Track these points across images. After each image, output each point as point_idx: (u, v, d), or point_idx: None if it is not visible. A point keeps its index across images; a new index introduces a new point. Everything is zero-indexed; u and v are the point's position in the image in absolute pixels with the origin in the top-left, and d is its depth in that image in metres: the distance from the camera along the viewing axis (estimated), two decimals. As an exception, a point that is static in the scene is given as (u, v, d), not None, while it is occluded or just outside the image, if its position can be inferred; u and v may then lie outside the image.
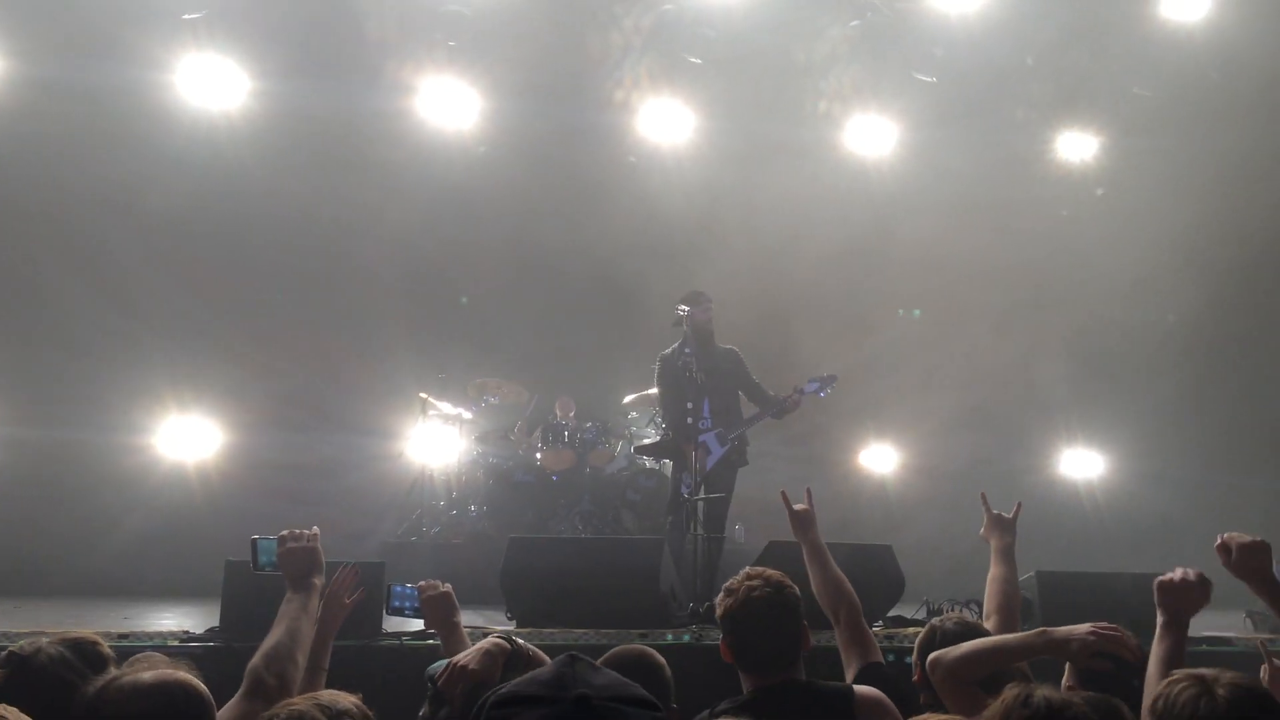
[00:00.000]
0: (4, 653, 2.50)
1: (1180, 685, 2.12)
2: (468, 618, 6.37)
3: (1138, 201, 10.44)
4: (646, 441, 8.99)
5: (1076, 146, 10.82)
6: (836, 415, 10.33)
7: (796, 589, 2.95)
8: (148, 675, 2.18)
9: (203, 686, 2.26)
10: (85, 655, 2.51)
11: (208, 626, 5.38)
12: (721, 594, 2.97)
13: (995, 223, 10.35)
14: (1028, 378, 10.70)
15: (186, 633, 5.28)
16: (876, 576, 5.90)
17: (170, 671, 2.22)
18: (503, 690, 1.40)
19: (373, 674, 4.82)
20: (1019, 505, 4.01)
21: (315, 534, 3.02)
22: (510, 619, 5.92)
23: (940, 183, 10.37)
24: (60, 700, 2.35)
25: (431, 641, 5.46)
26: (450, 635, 3.29)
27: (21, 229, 9.07)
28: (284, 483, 8.95)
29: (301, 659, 2.74)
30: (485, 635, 5.42)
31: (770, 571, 2.95)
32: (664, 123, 10.18)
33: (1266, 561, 2.84)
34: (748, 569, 2.99)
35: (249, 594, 5.03)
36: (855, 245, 10.60)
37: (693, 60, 9.88)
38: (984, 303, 10.58)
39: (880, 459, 10.68)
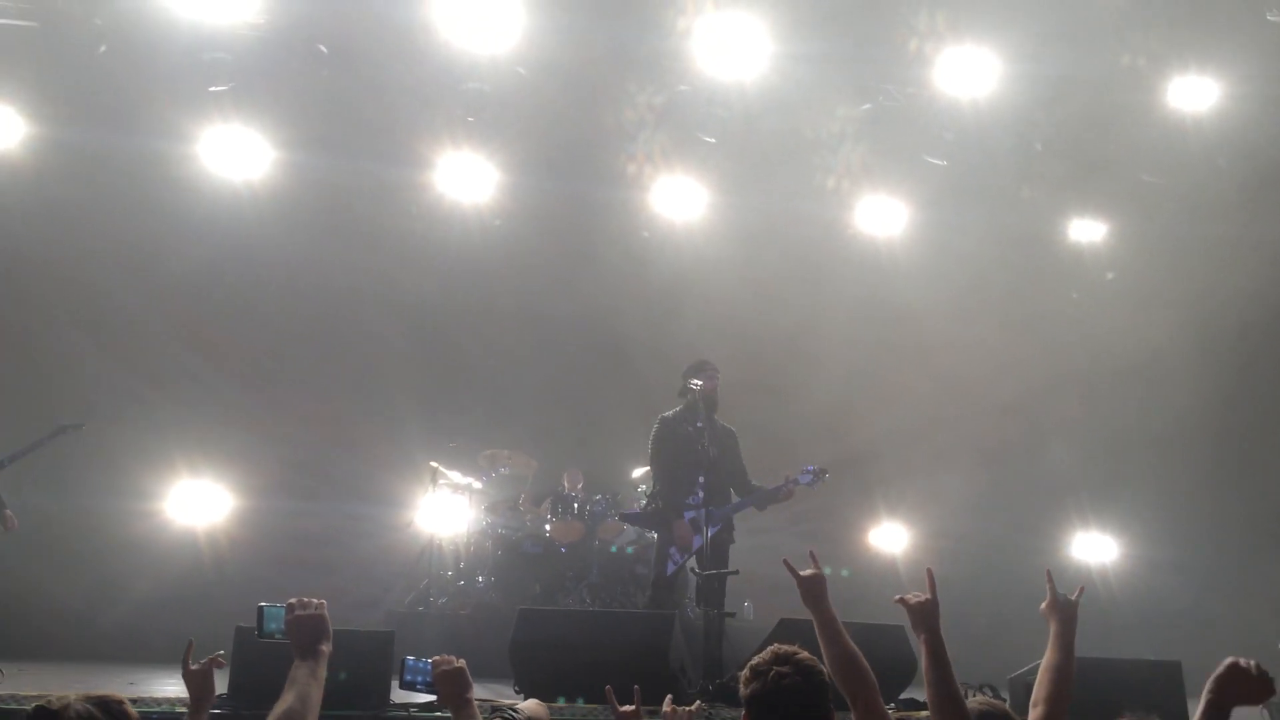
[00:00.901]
0: (33, 707, 2.50)
1: None
2: (476, 691, 6.32)
3: (1147, 286, 10.53)
4: (633, 511, 8.73)
5: (1086, 230, 10.93)
6: (845, 494, 10.31)
7: (825, 673, 2.88)
8: None
9: None
10: (112, 714, 2.51)
11: (216, 694, 5.34)
12: (748, 674, 2.89)
13: (1005, 303, 10.43)
14: (1039, 460, 10.68)
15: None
16: (888, 657, 5.82)
17: None
18: None
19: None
20: (1081, 589, 3.74)
21: (323, 604, 3.02)
22: (518, 692, 5.85)
23: (951, 263, 10.47)
24: None
25: (439, 715, 5.41)
26: (461, 711, 3.26)
27: (38, 288, 9.20)
28: (293, 549, 8.95)
29: None
30: (494, 709, 5.36)
31: (801, 654, 2.88)
32: (677, 198, 10.30)
33: None
34: (775, 648, 2.90)
35: (257, 662, 5.01)
36: (866, 322, 10.69)
37: (706, 139, 10.04)
38: (994, 383, 10.62)
39: (891, 538, 10.62)
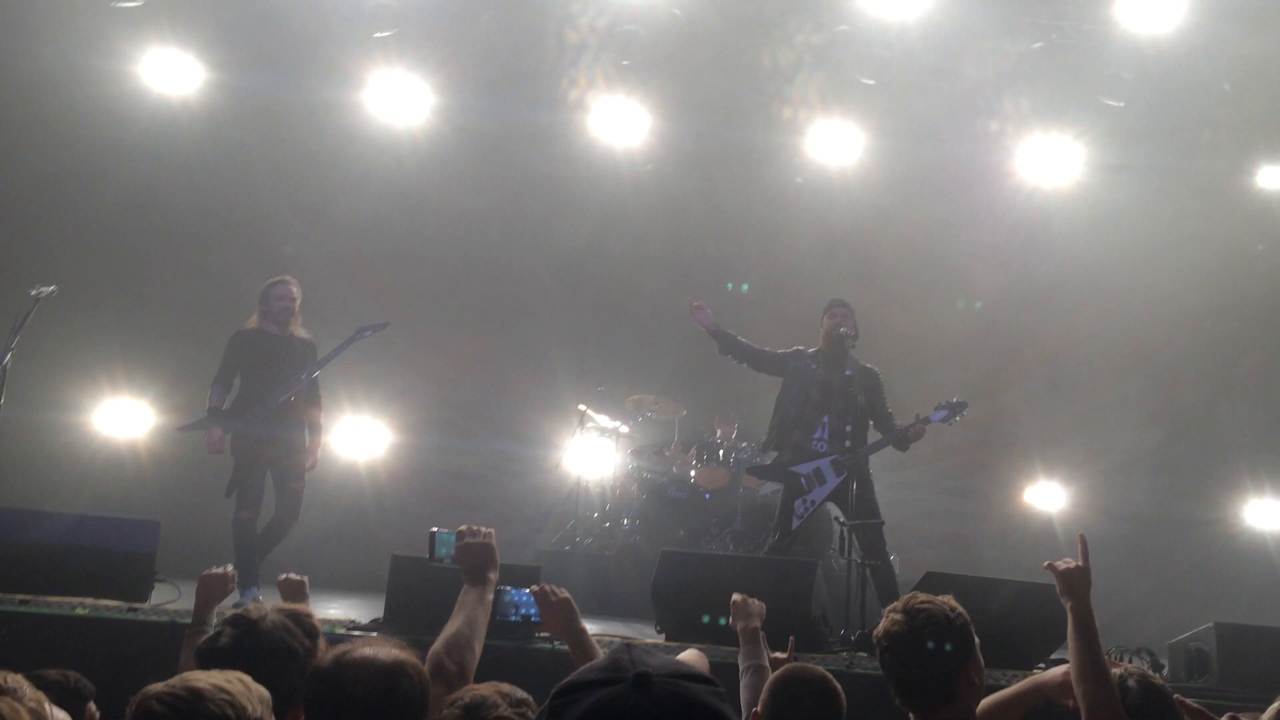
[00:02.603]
0: (231, 614, 2.63)
1: None
2: (618, 629, 6.45)
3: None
4: (758, 463, 8.68)
5: (1276, 178, 10.15)
6: (998, 450, 10.00)
7: (951, 618, 2.68)
8: (383, 652, 2.22)
9: (425, 671, 2.30)
10: (301, 625, 2.63)
11: (371, 618, 5.61)
12: (885, 617, 2.78)
13: (1183, 254, 9.82)
14: (1214, 420, 10.09)
15: (353, 622, 5.52)
16: (1039, 616, 5.65)
17: (401, 652, 2.26)
18: (562, 681, 1.41)
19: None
20: (1082, 538, 3.14)
21: (491, 532, 3.10)
22: (660, 632, 5.94)
23: (1129, 211, 9.90)
24: (285, 664, 2.48)
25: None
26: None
27: (216, 232, 9.66)
28: (447, 486, 9.28)
29: (478, 647, 2.81)
30: (628, 645, 5.47)
31: (937, 601, 2.72)
32: (833, 143, 10.05)
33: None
34: (914, 595, 2.78)
35: (412, 589, 5.23)
36: (1028, 273, 10.27)
37: (866, 81, 9.74)
38: (1168, 338, 10.06)
39: (1048, 496, 10.25)
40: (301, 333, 7.17)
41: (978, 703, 2.72)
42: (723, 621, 5.56)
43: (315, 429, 7.16)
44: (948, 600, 2.74)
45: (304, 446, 7.01)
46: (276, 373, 6.90)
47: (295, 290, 7.12)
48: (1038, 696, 3.10)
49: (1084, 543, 3.11)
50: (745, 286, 10.45)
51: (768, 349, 7.27)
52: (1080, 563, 3.05)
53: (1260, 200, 10.15)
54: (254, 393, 6.85)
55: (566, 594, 3.26)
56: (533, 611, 3.30)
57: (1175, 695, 3.01)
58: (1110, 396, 10.12)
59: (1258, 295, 10.11)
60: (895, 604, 2.77)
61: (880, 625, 2.75)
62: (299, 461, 6.96)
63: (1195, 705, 2.80)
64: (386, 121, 9.72)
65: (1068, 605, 2.99)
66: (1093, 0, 9.14)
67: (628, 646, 1.47)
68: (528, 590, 3.30)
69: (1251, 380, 10.15)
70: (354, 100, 9.61)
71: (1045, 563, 3.12)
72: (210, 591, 3.73)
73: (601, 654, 3.13)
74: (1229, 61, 9.36)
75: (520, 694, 2.39)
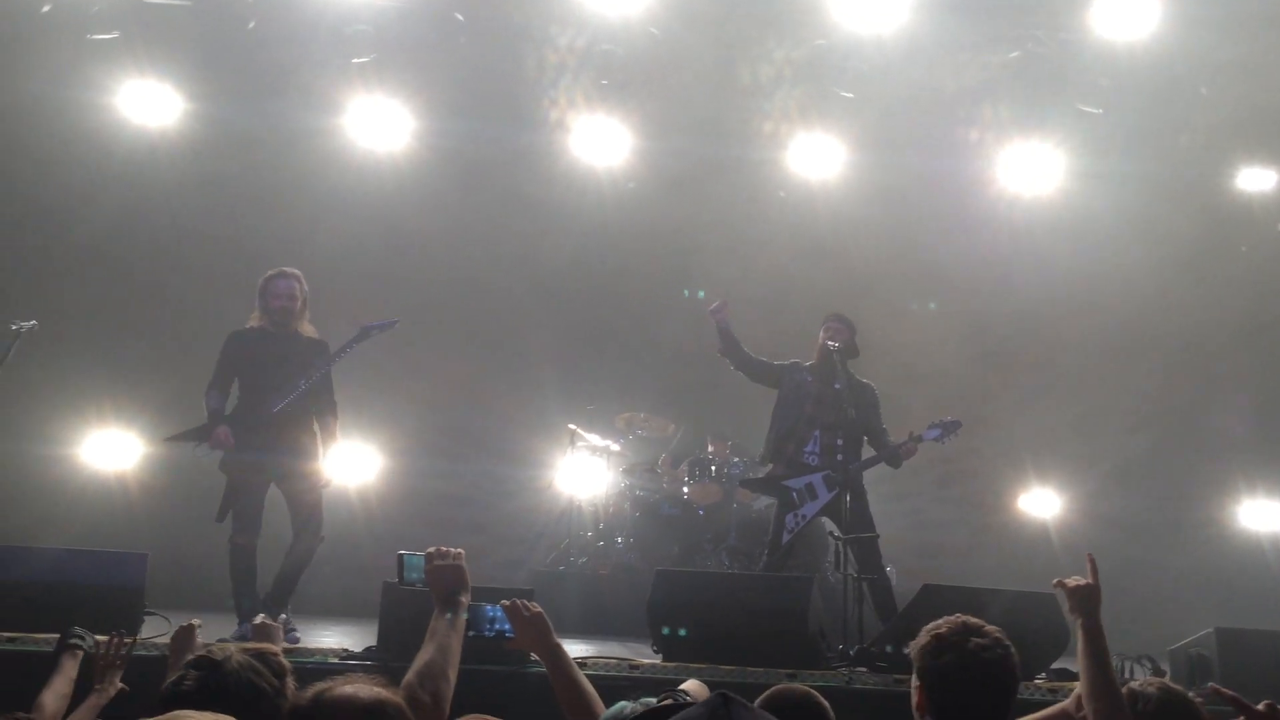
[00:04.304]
0: (195, 657, 2.57)
1: None
2: (614, 649, 6.41)
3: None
4: (751, 477, 8.63)
5: (1255, 180, 10.22)
6: (990, 458, 10.00)
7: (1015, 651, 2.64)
8: (364, 691, 2.15)
9: (406, 709, 2.23)
10: (269, 665, 2.58)
11: (365, 646, 5.55)
12: (931, 643, 2.65)
13: (1166, 258, 9.87)
14: (1203, 421, 10.11)
15: (346, 650, 5.46)
16: (1040, 627, 5.63)
17: (382, 690, 2.18)
18: None
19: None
20: (1090, 558, 3.10)
21: (460, 553, 3.05)
22: (656, 652, 5.90)
23: (1110, 216, 9.95)
24: (254, 705, 2.43)
25: (613, 663, 5.51)
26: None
27: (199, 258, 9.59)
28: (439, 509, 9.23)
29: (453, 675, 2.75)
30: (633, 668, 5.41)
31: (989, 627, 2.66)
32: (814, 156, 10.07)
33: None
34: (960, 619, 2.68)
35: (405, 615, 5.17)
36: (1015, 280, 10.31)
37: (844, 94, 9.78)
38: (1154, 341, 10.10)
39: (1043, 503, 10.25)
40: (309, 330, 6.51)
41: None
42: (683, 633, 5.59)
43: (329, 436, 6.47)
44: (998, 630, 2.66)
45: (314, 456, 6.33)
46: (277, 377, 6.25)
47: (297, 285, 6.43)
48: None
49: (1093, 562, 3.09)
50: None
51: (765, 359, 7.25)
52: (1090, 580, 3.03)
53: (1240, 203, 10.20)
54: (252, 400, 6.26)
55: (539, 609, 3.21)
56: (506, 627, 3.24)
57: (1210, 685, 3.03)
58: (1099, 402, 10.14)
59: (1242, 296, 10.16)
60: (950, 625, 2.67)
61: (948, 653, 2.62)
62: (309, 473, 6.29)
63: (1232, 694, 2.75)
64: (367, 146, 9.72)
65: (1078, 623, 2.96)
66: (1067, 8, 9.21)
67: (725, 701, 1.42)
68: (499, 605, 3.24)
69: (1239, 381, 10.17)
70: (333, 126, 9.61)
71: (1054, 580, 3.10)
72: (180, 644, 3.62)
73: (578, 674, 3.11)
74: (1204, 66, 9.43)
75: None
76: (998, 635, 2.63)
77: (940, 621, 2.70)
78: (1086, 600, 2.97)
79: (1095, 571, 3.06)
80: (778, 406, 7.17)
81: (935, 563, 9.16)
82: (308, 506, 6.33)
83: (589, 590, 8.48)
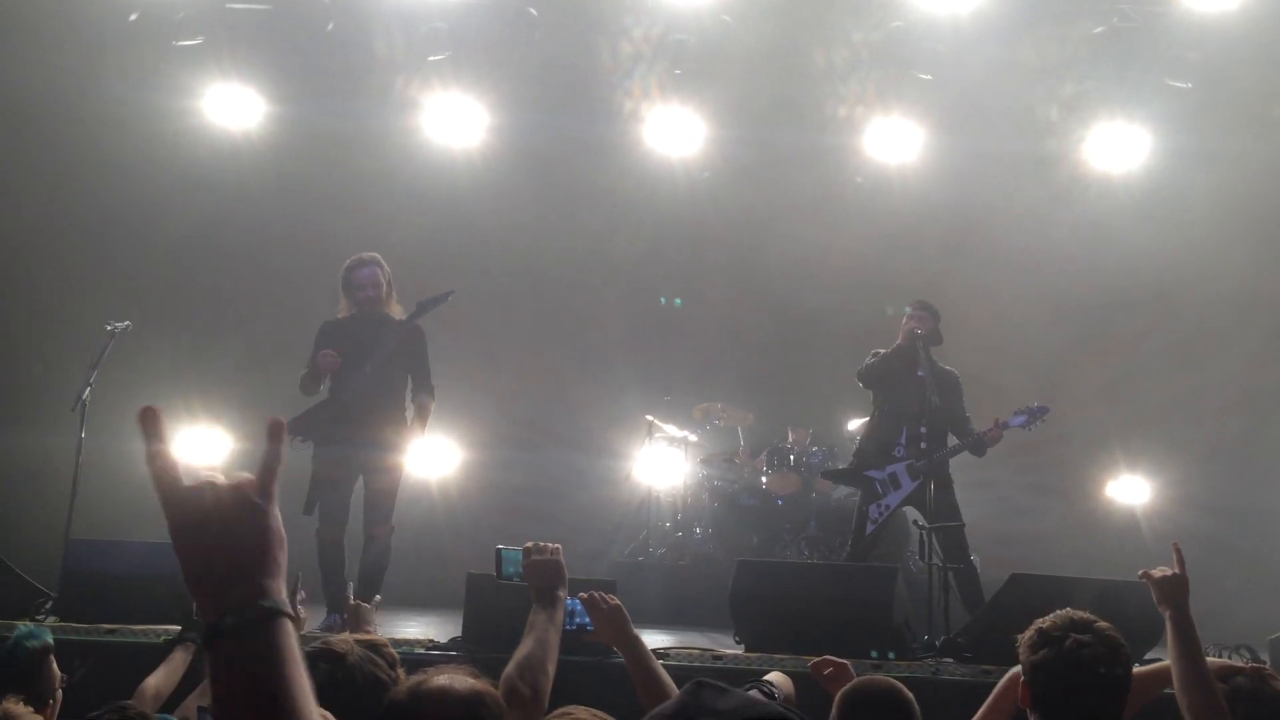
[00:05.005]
0: (314, 648, 2.53)
1: None
2: (695, 640, 6.39)
3: None
4: (832, 467, 8.59)
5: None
6: (1078, 445, 9.75)
7: (1128, 647, 2.58)
8: (459, 682, 2.16)
9: (501, 699, 2.24)
10: (382, 656, 2.62)
11: (450, 637, 5.63)
12: (1034, 638, 2.60)
13: (1258, 239, 9.52)
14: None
15: (432, 641, 5.53)
16: (1134, 615, 5.46)
17: (477, 681, 2.20)
18: None
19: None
20: (1176, 547, 3.04)
21: (558, 548, 3.06)
22: (738, 642, 5.87)
23: (1201, 194, 9.60)
24: (372, 697, 2.44)
25: (690, 653, 5.52)
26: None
27: (281, 261, 9.82)
28: (519, 501, 9.30)
29: (552, 669, 2.76)
30: (716, 659, 5.39)
31: (1100, 622, 2.59)
32: (892, 141, 9.90)
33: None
34: (1069, 613, 2.62)
35: (489, 607, 5.23)
36: (1098, 264, 10.02)
37: (922, 76, 9.60)
38: (1246, 324, 9.75)
39: (1132, 490, 9.96)
40: (397, 312, 6.48)
41: None
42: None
43: (422, 412, 6.42)
44: (1109, 626, 2.60)
45: (398, 449, 6.31)
46: (365, 362, 6.24)
47: (379, 270, 6.41)
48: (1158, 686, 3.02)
49: (1179, 552, 3.02)
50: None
51: (870, 361, 7.07)
52: (1177, 571, 2.96)
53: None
54: (341, 386, 6.29)
55: (617, 601, 3.19)
56: (586, 620, 3.24)
57: (1141, 571, 3.01)
58: (1191, 385, 9.82)
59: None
60: (1055, 620, 2.62)
61: (1051, 649, 2.55)
62: (392, 466, 6.29)
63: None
64: (443, 143, 9.82)
65: (1166, 614, 2.90)
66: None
67: (698, 687, 1.39)
68: (578, 597, 3.24)
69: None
70: (410, 124, 9.72)
71: (1140, 571, 3.03)
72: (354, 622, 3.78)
73: (656, 666, 3.09)
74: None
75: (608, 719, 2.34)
76: (1106, 632, 2.55)
77: (1052, 615, 2.64)
78: (1174, 591, 2.92)
79: (1182, 561, 2.99)
80: (873, 399, 7.13)
81: (1021, 551, 8.96)
82: (381, 494, 6.34)
83: (668, 581, 8.48)
